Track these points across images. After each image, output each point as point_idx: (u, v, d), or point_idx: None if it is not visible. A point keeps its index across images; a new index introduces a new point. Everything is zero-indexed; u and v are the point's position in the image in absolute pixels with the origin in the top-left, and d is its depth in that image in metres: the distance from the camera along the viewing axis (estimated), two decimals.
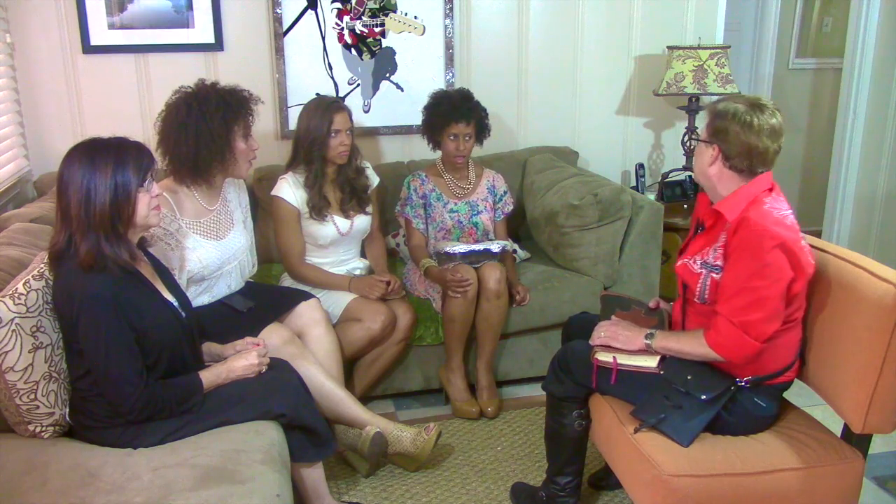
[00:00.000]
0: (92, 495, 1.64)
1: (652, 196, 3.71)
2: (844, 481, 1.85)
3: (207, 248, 2.40)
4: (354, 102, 3.45)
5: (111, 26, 3.13)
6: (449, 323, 2.80)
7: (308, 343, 2.49)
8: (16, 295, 1.78)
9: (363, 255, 2.98)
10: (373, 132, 3.53)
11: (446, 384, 2.92)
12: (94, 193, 1.75)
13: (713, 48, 3.52)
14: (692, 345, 1.89)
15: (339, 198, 2.82)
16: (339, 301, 2.74)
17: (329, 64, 3.41)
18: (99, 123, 3.17)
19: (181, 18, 3.19)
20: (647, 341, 1.96)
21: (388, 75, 3.49)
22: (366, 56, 3.44)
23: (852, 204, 4.08)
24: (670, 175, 3.76)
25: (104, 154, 1.78)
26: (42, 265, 1.87)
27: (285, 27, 3.31)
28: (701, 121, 3.25)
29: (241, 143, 2.38)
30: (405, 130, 3.53)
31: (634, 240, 3.07)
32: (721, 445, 1.85)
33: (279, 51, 3.32)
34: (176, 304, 2.00)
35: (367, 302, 2.72)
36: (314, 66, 3.39)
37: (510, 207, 3.16)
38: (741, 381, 1.87)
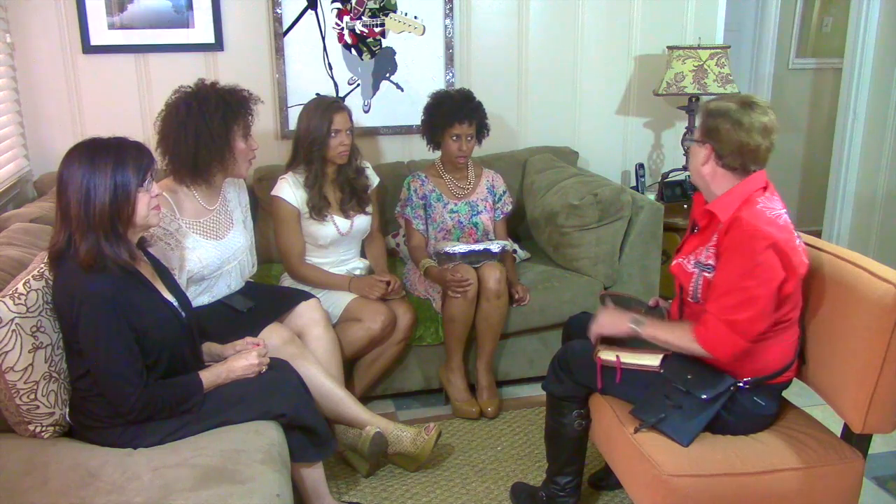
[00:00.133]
0: (92, 495, 1.64)
1: (652, 196, 3.71)
2: (844, 481, 1.85)
3: (207, 247, 2.40)
4: (354, 102, 3.45)
5: (111, 26, 3.13)
6: (449, 323, 2.80)
7: (308, 343, 2.49)
8: (16, 295, 1.78)
9: (363, 255, 2.98)
10: (373, 132, 3.53)
11: (446, 384, 2.92)
12: (94, 193, 1.75)
13: (713, 48, 3.52)
14: (681, 338, 1.89)
15: (339, 198, 2.82)
16: (339, 301, 2.74)
17: (329, 64, 3.41)
18: (99, 123, 3.17)
19: (181, 18, 3.19)
20: (634, 326, 1.96)
21: (388, 75, 3.49)
22: (366, 56, 3.44)
23: (852, 204, 4.08)
24: (670, 175, 3.76)
25: (104, 154, 1.78)
26: (42, 265, 1.87)
27: (285, 27, 3.31)
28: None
29: (240, 143, 2.38)
30: (405, 130, 3.53)
31: (634, 240, 3.07)
32: (721, 445, 1.85)
33: (279, 51, 3.32)
34: (176, 304, 2.00)
35: (367, 302, 2.72)
36: (314, 66, 3.39)
37: (509, 207, 3.16)
38: (741, 382, 1.87)
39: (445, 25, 3.48)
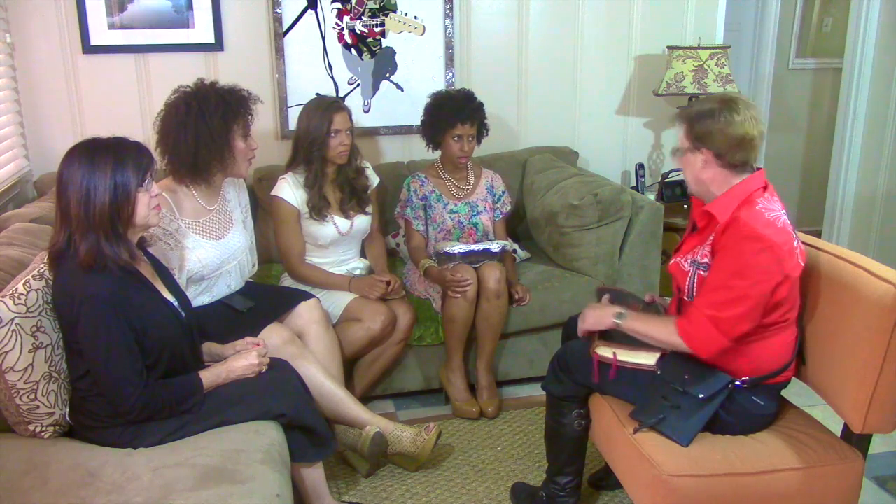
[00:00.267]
0: (92, 495, 1.64)
1: (652, 196, 3.71)
2: (844, 481, 1.85)
3: (207, 247, 2.40)
4: (354, 102, 3.45)
5: (111, 26, 3.13)
6: (449, 323, 2.80)
7: (308, 343, 2.49)
8: (16, 295, 1.78)
9: (363, 255, 2.98)
10: (373, 132, 3.53)
11: (446, 384, 2.92)
12: (94, 193, 1.75)
13: (713, 48, 3.52)
14: (661, 331, 1.90)
15: (339, 198, 2.82)
16: (339, 301, 2.74)
17: (329, 64, 3.41)
18: (99, 123, 3.17)
19: (181, 18, 3.19)
20: (616, 320, 1.96)
21: (388, 75, 3.49)
22: (366, 56, 3.44)
23: (852, 204, 4.08)
24: (670, 175, 3.76)
25: (103, 154, 1.78)
26: (42, 265, 1.87)
27: (285, 27, 3.31)
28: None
29: (240, 143, 2.38)
30: (405, 130, 3.53)
31: (634, 240, 3.07)
32: (721, 445, 1.85)
33: (279, 51, 3.32)
34: (176, 303, 2.00)
35: (367, 302, 2.72)
36: (314, 66, 3.39)
37: (508, 207, 3.16)
38: (738, 381, 1.87)
39: (445, 25, 3.48)
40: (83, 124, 3.21)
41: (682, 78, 3.49)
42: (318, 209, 2.74)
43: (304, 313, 2.54)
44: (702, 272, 1.89)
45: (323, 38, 3.37)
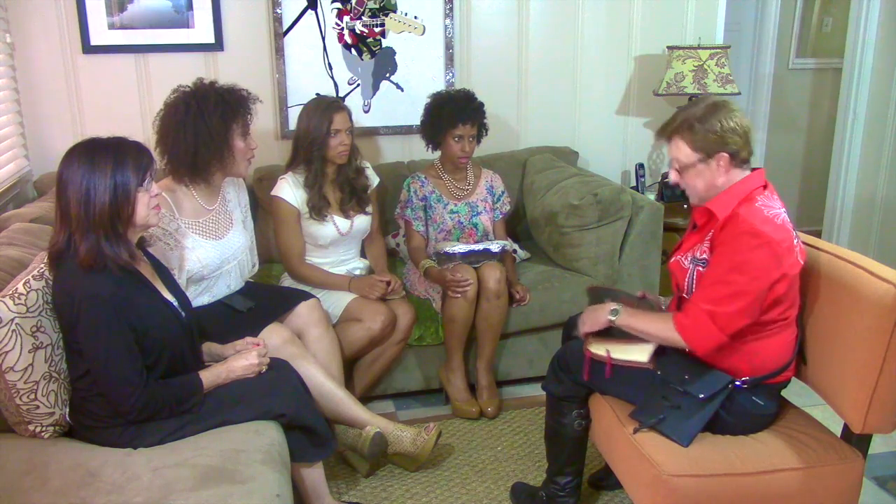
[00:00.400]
0: (92, 495, 1.64)
1: (652, 196, 3.71)
2: (844, 481, 1.85)
3: (206, 247, 2.40)
4: (354, 102, 3.45)
5: (111, 26, 3.13)
6: (449, 323, 2.80)
7: (308, 343, 2.49)
8: (16, 295, 1.78)
9: (363, 255, 2.98)
10: (373, 132, 3.52)
11: (446, 384, 2.92)
12: (94, 193, 1.75)
13: (713, 48, 3.53)
14: (658, 326, 1.90)
15: (339, 198, 2.82)
16: (339, 301, 2.74)
17: (329, 64, 3.41)
18: (99, 123, 3.17)
19: (181, 18, 3.19)
20: (610, 317, 1.96)
21: (388, 75, 3.49)
22: (366, 56, 3.44)
23: (852, 204, 4.08)
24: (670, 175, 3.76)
25: (103, 154, 1.78)
26: (42, 265, 1.87)
27: (285, 27, 3.31)
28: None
29: (239, 142, 2.38)
30: (405, 130, 3.53)
31: (634, 240, 3.07)
32: (721, 445, 1.85)
33: (279, 51, 3.32)
34: (176, 303, 2.00)
35: (367, 302, 2.72)
36: (314, 66, 3.39)
37: (508, 207, 3.16)
38: (738, 381, 1.87)
39: (445, 25, 3.48)
40: (83, 124, 3.21)
41: (683, 78, 3.49)
42: (318, 209, 2.74)
43: (304, 313, 2.54)
44: (701, 269, 1.89)
45: (323, 38, 3.37)
